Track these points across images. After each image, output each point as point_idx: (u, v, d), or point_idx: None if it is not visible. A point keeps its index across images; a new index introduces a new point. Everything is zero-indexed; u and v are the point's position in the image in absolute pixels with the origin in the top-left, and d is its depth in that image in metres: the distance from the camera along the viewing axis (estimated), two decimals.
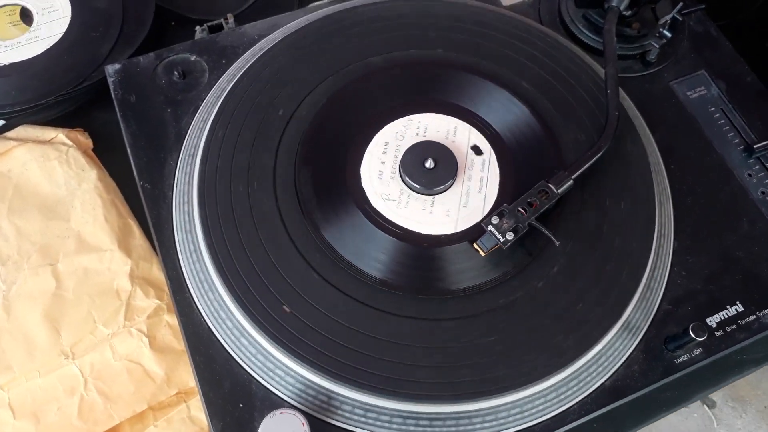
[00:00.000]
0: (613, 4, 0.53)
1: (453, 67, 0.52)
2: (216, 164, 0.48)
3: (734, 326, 0.47)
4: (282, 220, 0.47)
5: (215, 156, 0.49)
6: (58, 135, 0.57)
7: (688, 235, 0.50)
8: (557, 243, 0.45)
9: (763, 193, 0.52)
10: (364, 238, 0.47)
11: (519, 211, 0.45)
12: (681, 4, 0.53)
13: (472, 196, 0.49)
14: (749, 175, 0.53)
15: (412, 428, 0.42)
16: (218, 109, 0.50)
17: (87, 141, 0.58)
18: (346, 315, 0.44)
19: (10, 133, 0.57)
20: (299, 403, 0.43)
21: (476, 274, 0.46)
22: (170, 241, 0.48)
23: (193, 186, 0.48)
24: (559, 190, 0.46)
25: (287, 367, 0.43)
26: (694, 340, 0.44)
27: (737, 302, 0.48)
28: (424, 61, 0.53)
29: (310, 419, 0.42)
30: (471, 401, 0.42)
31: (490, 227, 0.45)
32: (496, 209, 0.46)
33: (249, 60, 0.53)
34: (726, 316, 0.47)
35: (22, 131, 0.57)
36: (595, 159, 0.48)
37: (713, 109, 0.55)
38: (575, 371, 0.44)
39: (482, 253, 0.45)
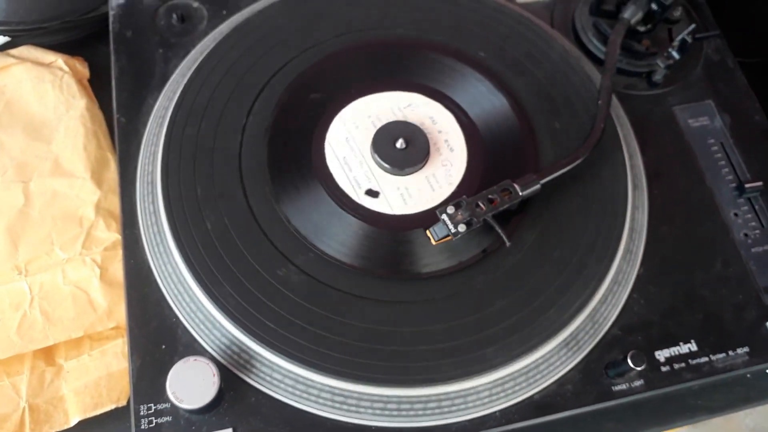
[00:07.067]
0: (625, 16, 0.51)
1: (434, 50, 0.51)
2: (189, 109, 0.48)
3: (683, 364, 0.45)
4: (242, 182, 0.47)
5: (190, 102, 0.49)
6: (58, 60, 0.58)
7: (655, 263, 0.48)
8: (508, 243, 0.44)
9: (745, 235, 0.49)
10: (316, 209, 0.46)
11: (477, 205, 0.44)
12: (693, 26, 0.50)
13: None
14: (735, 214, 0.50)
15: (323, 401, 0.42)
16: (201, 61, 0.50)
17: (84, 70, 0.59)
18: (283, 280, 0.44)
19: (13, 51, 0.58)
20: (220, 355, 0.42)
21: (426, 261, 0.45)
22: (132, 176, 0.48)
23: (163, 126, 0.48)
24: (524, 192, 0.45)
25: (215, 319, 0.43)
26: (633, 369, 0.42)
27: (692, 341, 0.46)
28: (407, 42, 0.52)
29: (226, 372, 0.42)
30: (386, 386, 0.41)
31: (444, 216, 0.44)
32: (455, 199, 0.44)
33: (238, 19, 0.53)
34: (677, 353, 0.45)
35: (24, 50, 0.58)
36: (568, 168, 0.46)
37: (712, 140, 0.52)
38: (504, 377, 0.43)
39: (433, 242, 0.44)
